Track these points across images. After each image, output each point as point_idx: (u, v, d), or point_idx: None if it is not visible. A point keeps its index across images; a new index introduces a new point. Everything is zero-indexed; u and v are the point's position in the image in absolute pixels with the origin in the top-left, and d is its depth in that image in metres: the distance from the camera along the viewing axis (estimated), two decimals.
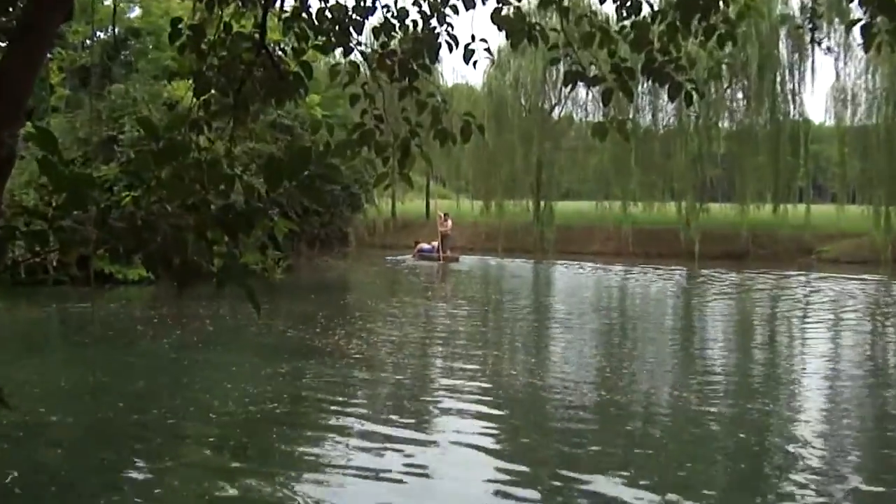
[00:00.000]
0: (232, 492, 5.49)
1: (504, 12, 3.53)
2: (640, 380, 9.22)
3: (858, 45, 23.30)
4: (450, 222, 28.04)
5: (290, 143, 18.61)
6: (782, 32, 28.07)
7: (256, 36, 3.31)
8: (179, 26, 3.27)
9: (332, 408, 7.77)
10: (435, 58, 3.56)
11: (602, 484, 5.63)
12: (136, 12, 25.06)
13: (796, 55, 28.41)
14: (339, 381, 8.90)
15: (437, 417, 7.42)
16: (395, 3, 3.70)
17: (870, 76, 27.16)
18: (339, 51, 3.55)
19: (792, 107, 28.38)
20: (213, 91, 3.23)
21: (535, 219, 32.95)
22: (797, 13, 27.74)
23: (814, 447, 6.58)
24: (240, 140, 3.47)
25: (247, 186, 2.17)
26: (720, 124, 29.52)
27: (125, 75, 22.10)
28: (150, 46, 23.51)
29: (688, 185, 28.76)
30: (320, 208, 20.04)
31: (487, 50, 3.64)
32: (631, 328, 13.50)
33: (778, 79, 28.20)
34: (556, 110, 34.00)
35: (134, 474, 5.83)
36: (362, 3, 3.58)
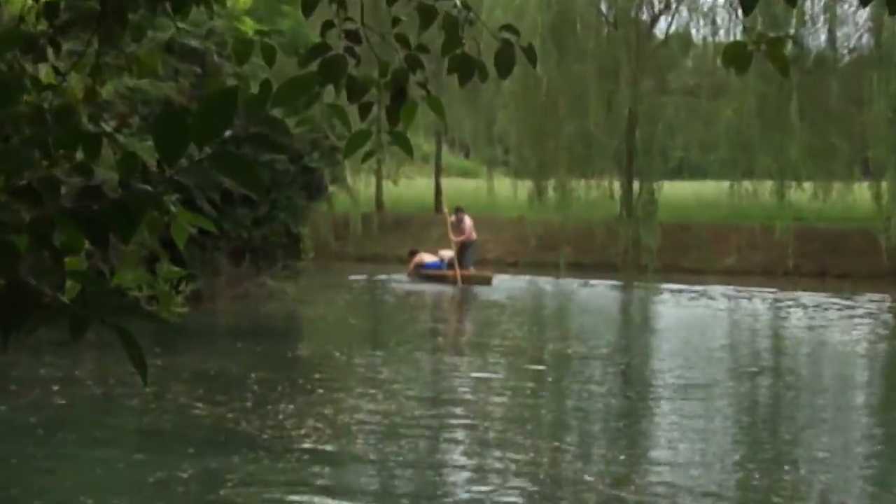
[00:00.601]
0: None
1: None
2: (813, 491, 9.14)
3: None
4: (469, 221, 28.05)
5: (201, 80, 18.74)
6: None
7: None
8: None
9: None
10: None
11: None
12: None
13: None
14: (284, 493, 8.89)
15: None
16: None
17: None
18: None
19: None
20: None
21: (623, 212, 32.98)
22: None
23: None
24: (111, 74, 3.48)
25: (124, 155, 2.16)
26: None
27: None
28: None
29: (892, 154, 28.65)
30: (253, 194, 20.13)
31: None
32: (794, 403, 13.42)
33: None
34: (661, 23, 34.09)
35: None
36: None
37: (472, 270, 27.35)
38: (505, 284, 26.82)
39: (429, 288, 26.01)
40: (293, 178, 21.59)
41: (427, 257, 28.22)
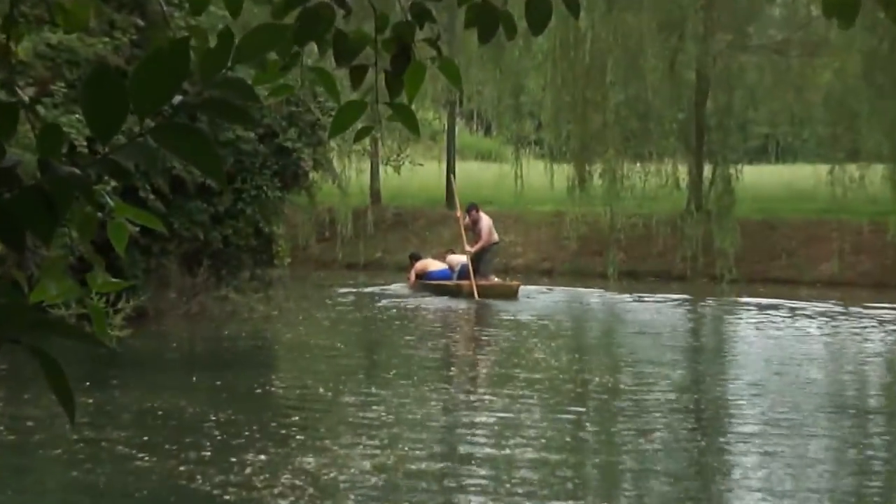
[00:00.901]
0: None
1: None
2: None
3: None
4: (487, 220, 27.95)
5: (143, 35, 18.75)
6: None
7: None
8: None
9: None
10: None
11: None
12: None
13: None
14: None
15: None
16: None
17: None
18: None
19: None
20: None
21: (691, 205, 32.85)
22: None
23: None
24: (29, 28, 3.49)
25: (45, 129, 2.16)
26: None
27: None
28: None
29: None
30: (213, 182, 20.09)
31: None
32: None
33: None
34: None
35: None
36: None
37: (492, 280, 27.33)
38: (537, 298, 26.79)
39: (436, 303, 25.99)
40: (264, 161, 21.60)
41: (433, 264, 28.25)
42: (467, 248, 27.36)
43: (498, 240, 28.24)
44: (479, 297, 26.26)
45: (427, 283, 27.64)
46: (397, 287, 28.18)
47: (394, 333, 23.05)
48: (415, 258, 28.98)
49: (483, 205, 29.01)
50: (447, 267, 27.93)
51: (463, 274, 27.17)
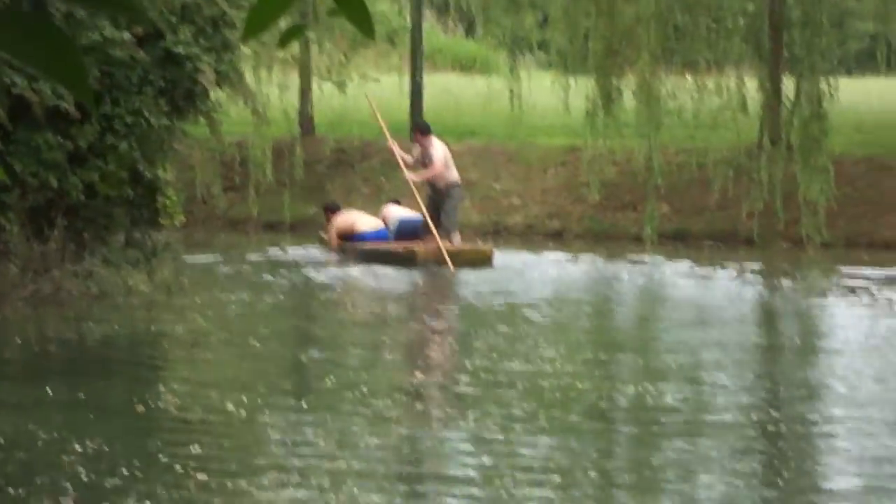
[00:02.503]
0: None
1: None
2: None
3: None
4: (441, 147, 27.96)
5: None
6: None
7: None
8: None
9: None
10: None
11: None
12: None
13: None
14: None
15: None
16: None
17: None
18: None
19: None
20: None
21: (764, 136, 32.87)
22: None
23: None
24: None
25: None
26: None
27: None
28: None
29: None
30: (74, 105, 19.96)
31: None
32: None
33: None
34: None
35: None
36: None
37: (455, 241, 27.37)
38: (540, 271, 26.88)
39: (381, 274, 26.16)
40: (144, 75, 21.47)
41: (361, 221, 28.46)
42: (410, 175, 27.58)
43: (459, 181, 28.17)
44: (453, 265, 26.28)
45: (359, 248, 27.70)
46: (313, 251, 28.46)
47: (331, 320, 23.05)
48: (331, 210, 29.13)
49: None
50: (382, 224, 28.05)
51: (407, 232, 27.69)
